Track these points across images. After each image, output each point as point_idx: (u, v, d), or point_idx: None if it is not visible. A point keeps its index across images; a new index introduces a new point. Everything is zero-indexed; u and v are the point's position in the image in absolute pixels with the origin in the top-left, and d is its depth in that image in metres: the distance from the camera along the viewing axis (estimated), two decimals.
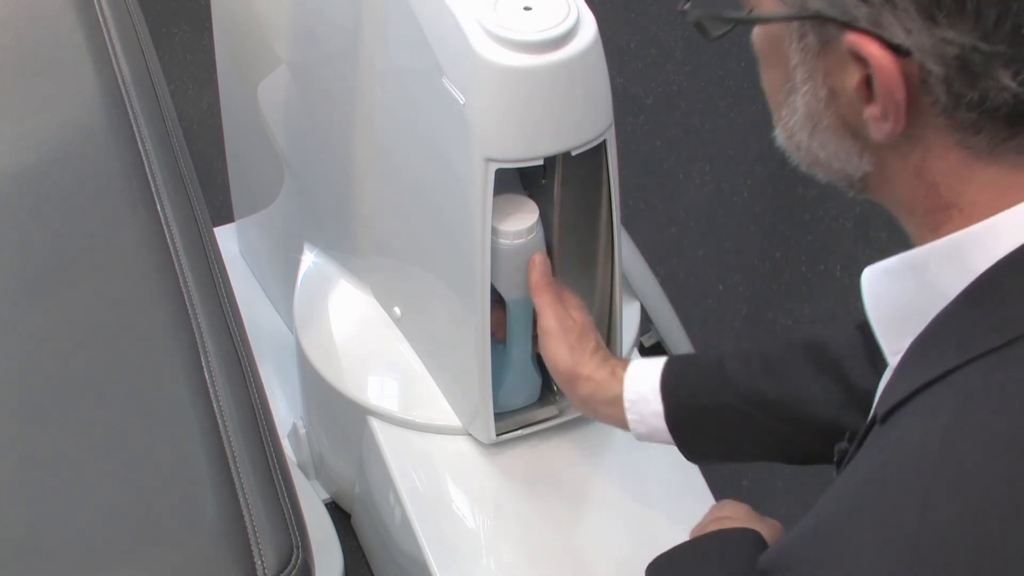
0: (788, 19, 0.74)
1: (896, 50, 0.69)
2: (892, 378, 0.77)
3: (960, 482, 0.67)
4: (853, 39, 0.70)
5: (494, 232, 1.24)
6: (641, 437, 1.19)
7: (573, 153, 1.21)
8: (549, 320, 1.24)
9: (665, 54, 2.34)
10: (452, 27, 1.16)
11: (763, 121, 2.68)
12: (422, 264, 1.40)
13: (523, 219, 1.25)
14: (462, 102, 1.18)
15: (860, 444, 0.78)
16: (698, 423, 1.16)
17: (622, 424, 1.19)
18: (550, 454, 1.42)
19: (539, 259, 1.26)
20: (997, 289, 0.72)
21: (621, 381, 1.18)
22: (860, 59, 0.71)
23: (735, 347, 1.23)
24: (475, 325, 1.29)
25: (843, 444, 0.93)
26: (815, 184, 2.27)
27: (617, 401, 1.18)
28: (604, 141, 1.22)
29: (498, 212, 1.23)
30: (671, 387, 1.16)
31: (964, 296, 0.73)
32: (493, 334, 1.32)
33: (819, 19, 0.72)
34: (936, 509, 0.67)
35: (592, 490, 1.41)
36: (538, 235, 1.26)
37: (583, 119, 1.20)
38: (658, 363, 1.17)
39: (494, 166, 1.19)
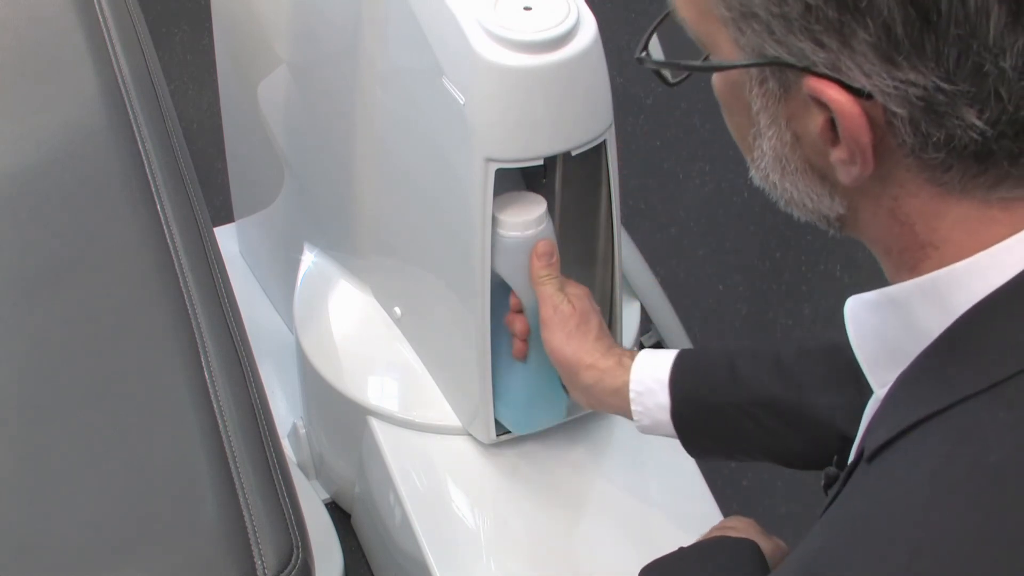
0: (747, 66, 0.72)
1: (858, 93, 0.68)
2: (878, 415, 0.77)
3: (949, 532, 0.67)
4: (813, 84, 0.69)
5: (501, 225, 1.23)
6: (644, 430, 1.18)
7: (573, 153, 1.21)
8: (546, 309, 1.22)
9: None
10: (452, 27, 1.16)
11: None
12: (422, 264, 1.40)
13: (529, 211, 1.24)
14: (462, 102, 1.18)
15: (846, 480, 0.78)
16: (703, 420, 1.14)
17: (625, 414, 1.18)
18: (550, 454, 1.42)
19: (541, 248, 1.24)
20: (978, 331, 0.72)
21: (628, 370, 1.17)
22: (822, 103, 0.70)
23: (748, 345, 1.22)
24: (475, 325, 1.29)
25: (832, 469, 0.92)
26: None
27: (622, 391, 1.17)
28: (604, 141, 1.22)
29: (505, 206, 1.22)
30: (679, 381, 1.14)
31: (946, 337, 0.73)
32: (496, 339, 1.31)
33: (778, 65, 0.71)
34: (924, 559, 0.67)
35: (592, 490, 1.41)
36: (547, 228, 1.25)
37: (583, 119, 1.20)
38: (668, 355, 1.16)
39: (494, 166, 1.19)
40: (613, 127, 1.23)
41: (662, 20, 0.79)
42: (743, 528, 1.16)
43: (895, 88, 0.68)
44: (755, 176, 0.79)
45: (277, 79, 1.54)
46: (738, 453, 1.19)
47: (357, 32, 1.32)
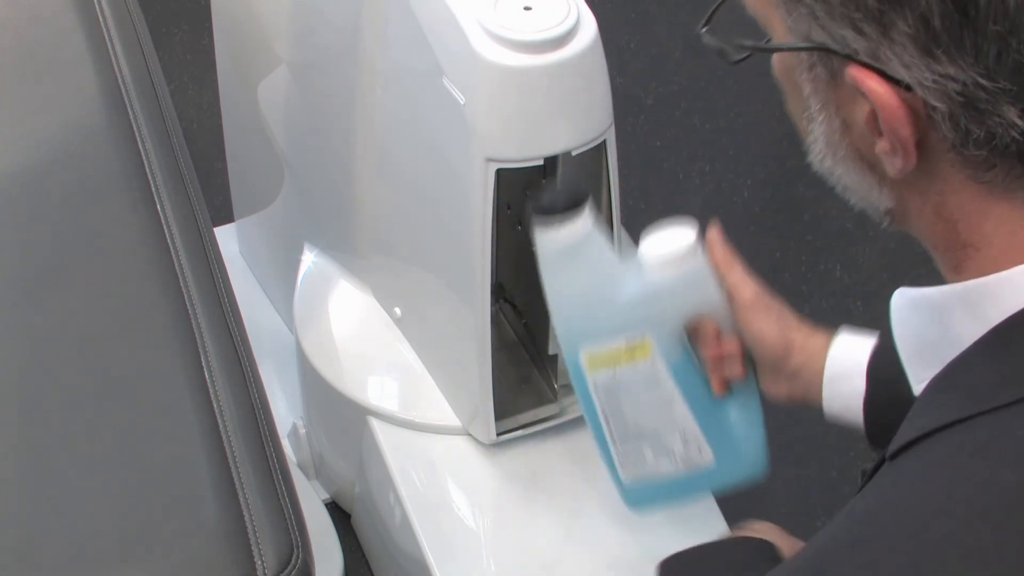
0: (795, 50, 0.73)
1: (898, 84, 0.68)
2: (909, 414, 0.77)
3: (953, 546, 0.67)
4: (854, 73, 0.69)
5: (668, 257, 1.10)
6: (831, 415, 1.10)
7: (573, 153, 1.21)
8: (747, 291, 1.10)
9: (665, 54, 2.34)
10: (452, 27, 1.16)
11: (763, 121, 2.69)
12: (422, 264, 1.40)
13: (678, 237, 1.11)
14: (462, 102, 1.18)
15: (871, 477, 0.78)
16: (899, 415, 1.08)
17: (812, 396, 1.10)
18: (550, 454, 1.42)
19: (717, 236, 1.12)
20: (1009, 345, 0.71)
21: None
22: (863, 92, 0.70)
23: None
24: (475, 325, 1.29)
25: (868, 466, 0.92)
26: (815, 184, 2.26)
27: (822, 372, 1.09)
28: (604, 141, 1.22)
29: (656, 241, 1.11)
30: (880, 368, 1.06)
31: (979, 346, 0.72)
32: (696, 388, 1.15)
33: (823, 51, 0.71)
34: (924, 570, 0.67)
35: (592, 490, 1.41)
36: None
37: (583, 119, 1.20)
38: (867, 341, 1.08)
39: (494, 166, 1.19)
40: (613, 127, 1.23)
41: None
42: (765, 531, 1.14)
43: (934, 82, 0.67)
44: (813, 160, 0.78)
45: (277, 79, 1.54)
46: None
47: (357, 32, 1.32)
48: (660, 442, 1.17)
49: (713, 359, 1.12)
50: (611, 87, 1.22)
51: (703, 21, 0.79)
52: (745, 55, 0.78)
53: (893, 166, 0.71)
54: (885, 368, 1.06)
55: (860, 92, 0.70)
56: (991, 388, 0.71)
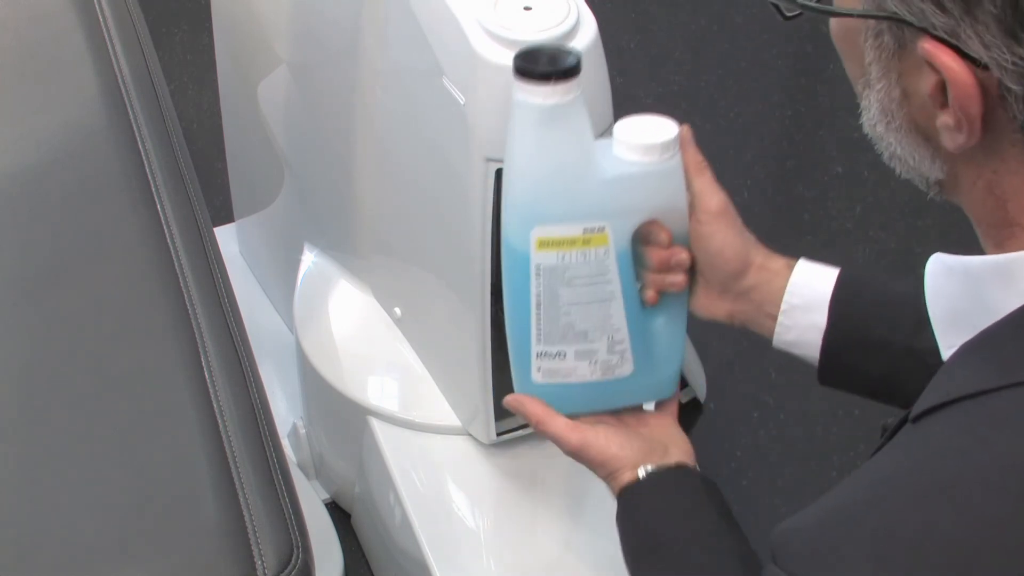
0: (864, 17, 0.73)
1: (973, 63, 0.68)
2: (935, 378, 0.77)
3: (965, 517, 0.67)
4: (929, 47, 0.69)
5: (646, 149, 1.04)
6: (781, 343, 1.06)
7: None
8: (715, 199, 1.06)
9: (665, 54, 2.34)
10: (452, 27, 1.16)
11: (763, 121, 2.67)
12: (422, 264, 1.40)
13: (658, 130, 1.05)
14: (462, 102, 1.18)
15: (890, 437, 0.78)
16: (860, 354, 1.04)
17: (761, 324, 1.06)
18: (550, 454, 1.41)
19: (689, 136, 1.07)
20: None
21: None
22: (935, 67, 0.70)
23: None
24: (475, 325, 1.29)
25: (890, 420, 0.91)
26: (815, 184, 2.26)
27: (778, 297, 1.06)
28: None
29: (634, 131, 1.05)
30: (843, 305, 1.04)
31: (1013, 319, 0.72)
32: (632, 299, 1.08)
33: (895, 21, 0.71)
34: (934, 538, 0.67)
35: (592, 489, 1.41)
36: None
37: None
38: (830, 273, 1.06)
39: (494, 166, 1.19)
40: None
41: None
42: (641, 450, 1.04)
43: (1014, 64, 0.67)
44: (864, 123, 0.78)
45: (277, 79, 1.54)
46: (884, 395, 1.06)
47: (357, 32, 1.32)
48: (585, 344, 1.09)
49: (660, 263, 1.06)
50: (611, 87, 1.22)
51: None
52: (797, 13, 0.78)
53: (954, 140, 0.72)
54: (848, 305, 1.04)
55: (930, 65, 0.70)
56: (1021, 362, 0.71)
